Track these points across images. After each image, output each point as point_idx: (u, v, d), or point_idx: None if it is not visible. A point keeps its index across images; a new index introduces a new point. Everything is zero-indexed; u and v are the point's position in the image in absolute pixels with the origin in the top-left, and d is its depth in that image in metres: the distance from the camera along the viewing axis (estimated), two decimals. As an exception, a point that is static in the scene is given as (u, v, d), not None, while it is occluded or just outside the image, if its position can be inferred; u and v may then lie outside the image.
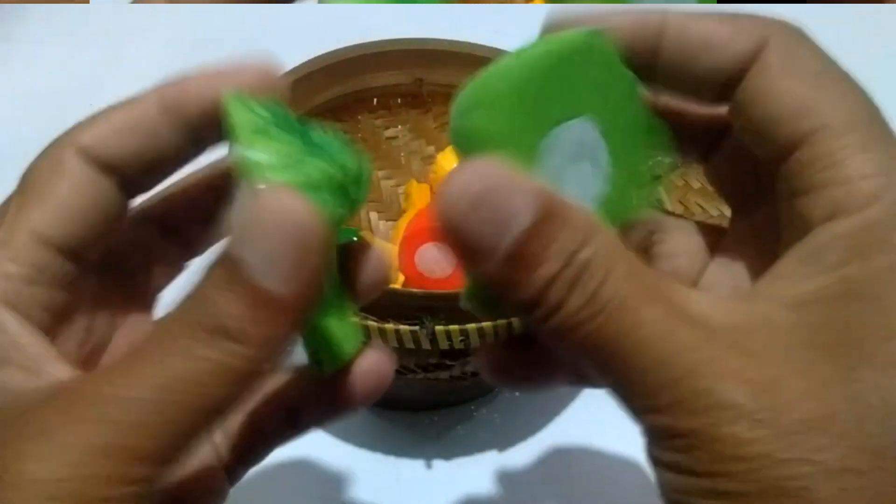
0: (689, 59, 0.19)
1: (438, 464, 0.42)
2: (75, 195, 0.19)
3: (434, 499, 0.41)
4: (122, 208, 0.20)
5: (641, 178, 0.20)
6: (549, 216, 0.16)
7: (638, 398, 0.16)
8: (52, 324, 0.19)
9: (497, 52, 0.47)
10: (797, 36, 0.18)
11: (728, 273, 0.21)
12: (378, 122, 0.50)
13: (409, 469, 0.42)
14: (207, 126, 0.19)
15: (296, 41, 0.67)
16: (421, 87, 0.49)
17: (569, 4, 0.19)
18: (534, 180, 0.16)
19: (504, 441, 0.43)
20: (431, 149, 0.51)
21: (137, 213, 0.22)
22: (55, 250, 0.18)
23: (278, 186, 0.16)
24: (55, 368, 0.18)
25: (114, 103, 0.20)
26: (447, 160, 0.45)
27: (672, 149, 0.20)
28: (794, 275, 0.17)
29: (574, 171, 0.19)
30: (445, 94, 0.50)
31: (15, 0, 0.69)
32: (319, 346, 0.20)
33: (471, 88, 0.18)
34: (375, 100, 0.49)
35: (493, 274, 0.16)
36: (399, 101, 0.50)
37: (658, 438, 0.16)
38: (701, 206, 0.55)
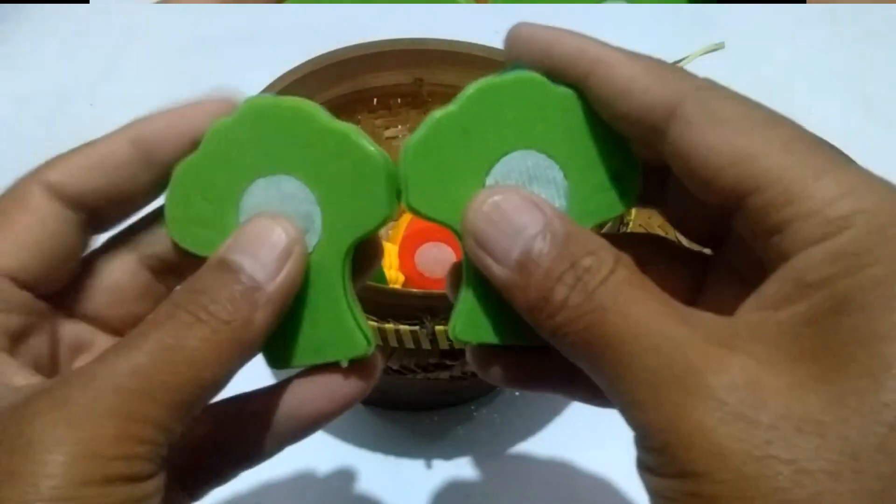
0: (610, 101, 0.19)
1: (438, 464, 0.42)
2: (36, 230, 0.19)
3: (434, 499, 0.41)
4: (83, 244, 0.21)
5: (603, 187, 0.21)
6: (557, 229, 0.18)
7: (623, 393, 0.17)
8: (11, 346, 0.19)
9: (497, 52, 0.47)
10: (710, 88, 0.18)
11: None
12: (378, 122, 0.50)
13: (409, 469, 0.42)
14: (175, 160, 0.20)
15: (296, 41, 0.67)
16: (421, 87, 0.49)
17: (534, 24, 0.21)
18: (547, 203, 0.19)
19: (504, 441, 0.43)
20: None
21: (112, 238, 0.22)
22: (11, 281, 0.19)
23: (272, 213, 0.20)
24: (25, 376, 0.18)
25: (84, 142, 0.20)
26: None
27: (633, 152, 0.21)
28: (780, 295, 0.17)
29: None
30: (445, 94, 0.50)
31: (15, 0, 0.69)
32: (337, 336, 0.21)
33: (402, 166, 0.20)
34: (375, 100, 0.49)
35: (505, 278, 0.18)
36: (399, 101, 0.50)
37: (641, 439, 0.17)
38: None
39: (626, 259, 0.18)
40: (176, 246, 0.21)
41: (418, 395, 0.44)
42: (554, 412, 0.45)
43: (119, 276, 0.22)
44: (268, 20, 0.70)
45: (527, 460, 0.43)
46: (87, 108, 0.60)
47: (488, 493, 0.41)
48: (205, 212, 0.20)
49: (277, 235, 0.19)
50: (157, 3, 0.69)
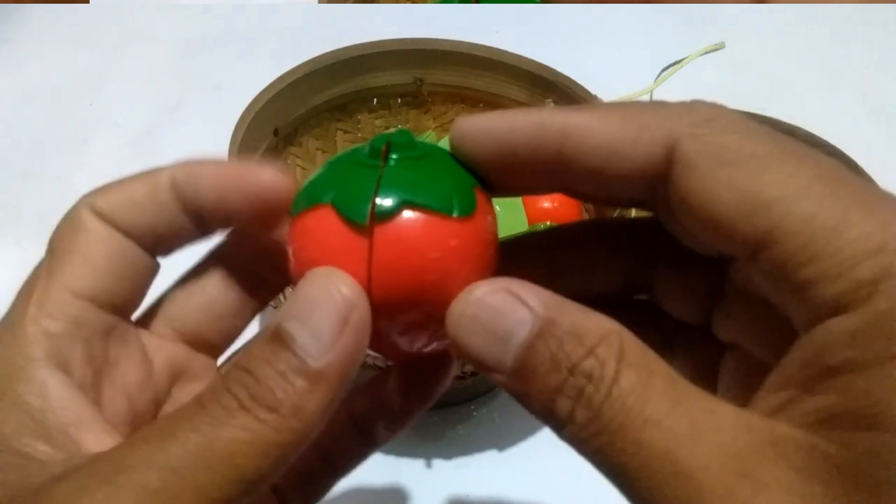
0: (595, 168, 0.17)
1: (438, 464, 0.42)
2: (99, 249, 0.19)
3: (434, 499, 0.41)
4: (149, 264, 0.20)
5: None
6: (551, 325, 0.16)
7: None
8: (95, 378, 0.19)
9: (497, 53, 0.47)
10: (707, 121, 0.16)
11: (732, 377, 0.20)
12: (378, 122, 0.50)
13: (409, 469, 0.42)
14: (212, 212, 0.20)
15: (296, 41, 0.67)
16: (421, 87, 0.49)
17: (476, 115, 0.18)
18: (536, 293, 0.16)
19: (504, 441, 0.43)
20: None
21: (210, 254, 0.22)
22: (92, 303, 0.18)
23: (330, 268, 0.17)
24: (90, 437, 0.17)
25: (135, 172, 0.20)
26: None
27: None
28: (802, 385, 0.15)
29: None
30: (445, 94, 0.50)
31: (15, 0, 0.69)
32: None
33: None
34: (375, 100, 0.49)
35: (507, 386, 0.16)
36: (399, 101, 0.50)
37: None
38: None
39: (628, 348, 0.15)
40: (265, 259, 0.21)
41: (418, 395, 0.44)
42: (554, 412, 0.45)
43: (215, 294, 0.21)
44: (268, 20, 0.70)
45: (527, 460, 0.43)
46: (87, 108, 0.60)
47: (488, 493, 0.41)
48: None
49: (331, 297, 0.16)
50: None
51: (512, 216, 0.42)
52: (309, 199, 0.18)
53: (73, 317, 0.18)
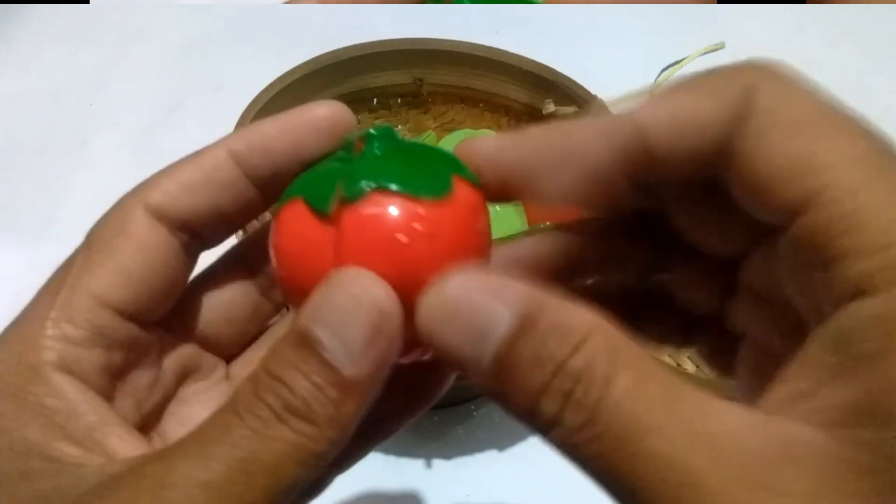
0: (677, 146, 0.16)
1: (438, 463, 0.42)
2: (140, 259, 0.18)
3: (434, 499, 0.41)
4: (187, 270, 0.20)
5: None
6: (531, 321, 0.15)
7: None
8: (110, 386, 0.18)
9: (497, 53, 0.47)
10: (783, 79, 0.16)
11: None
12: (378, 122, 0.50)
13: (409, 469, 0.42)
14: (280, 176, 0.19)
15: (296, 41, 0.67)
16: (421, 87, 0.49)
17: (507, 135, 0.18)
18: (513, 285, 0.15)
19: (504, 441, 0.43)
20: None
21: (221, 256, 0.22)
22: (116, 313, 0.18)
23: (359, 270, 0.16)
24: (114, 439, 0.17)
25: (182, 157, 0.19)
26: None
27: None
28: (820, 376, 0.14)
29: None
30: (445, 94, 0.50)
31: (15, 0, 0.69)
32: None
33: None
34: (375, 100, 0.49)
35: (484, 386, 0.15)
36: (399, 101, 0.50)
37: None
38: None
39: (617, 346, 0.15)
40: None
41: (418, 395, 0.44)
42: (554, 412, 0.45)
43: (231, 295, 0.21)
44: (268, 20, 0.70)
45: (527, 460, 0.43)
46: (87, 108, 0.60)
47: (488, 493, 0.41)
48: None
49: (362, 304, 0.16)
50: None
51: (512, 216, 0.43)
52: (286, 195, 0.18)
53: (96, 326, 0.18)
